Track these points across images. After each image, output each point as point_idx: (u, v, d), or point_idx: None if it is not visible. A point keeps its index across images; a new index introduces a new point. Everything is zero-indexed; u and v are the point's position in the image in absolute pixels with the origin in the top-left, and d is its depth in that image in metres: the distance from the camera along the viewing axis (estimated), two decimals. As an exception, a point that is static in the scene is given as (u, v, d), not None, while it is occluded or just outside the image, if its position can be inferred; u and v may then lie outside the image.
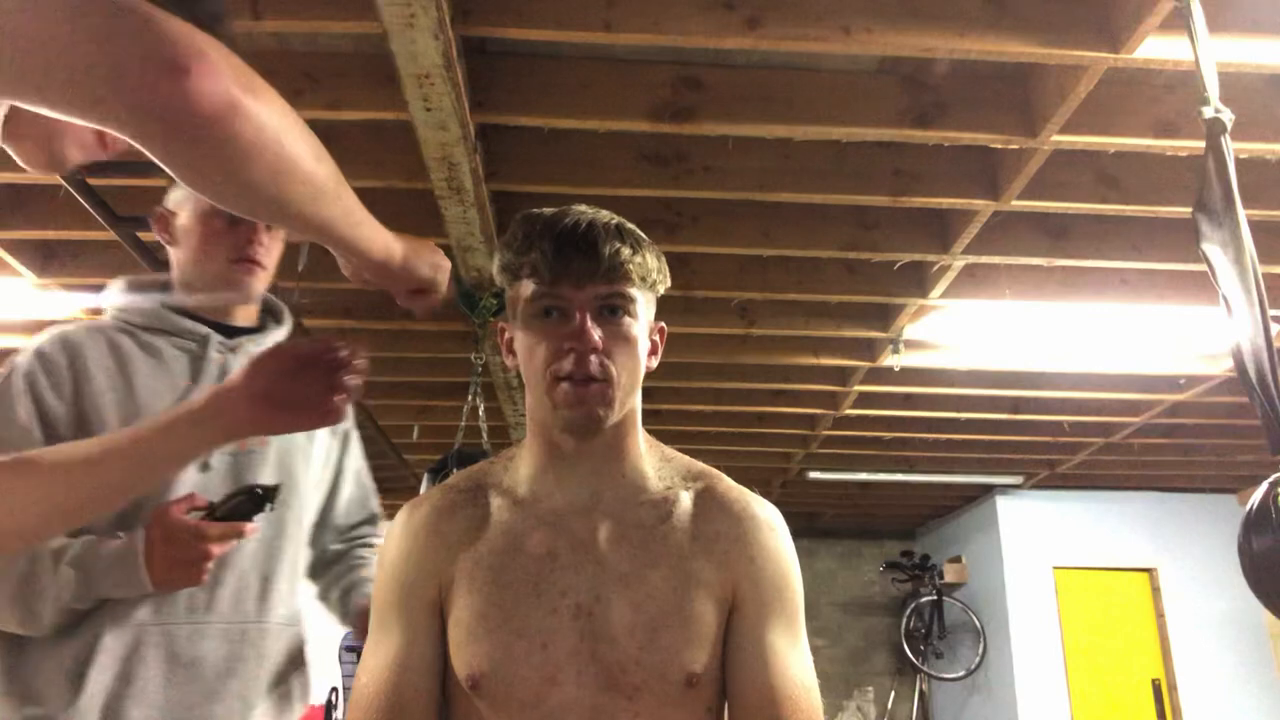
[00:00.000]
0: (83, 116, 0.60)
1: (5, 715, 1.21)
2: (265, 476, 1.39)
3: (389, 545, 1.06)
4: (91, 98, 0.58)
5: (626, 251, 0.97)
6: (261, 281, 1.45)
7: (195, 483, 1.31)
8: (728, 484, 1.07)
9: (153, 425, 0.98)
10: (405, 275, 0.96)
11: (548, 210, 1.00)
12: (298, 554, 1.46)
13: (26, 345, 1.32)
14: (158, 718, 1.24)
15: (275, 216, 0.76)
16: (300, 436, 1.46)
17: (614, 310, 0.97)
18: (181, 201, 1.44)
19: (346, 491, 1.59)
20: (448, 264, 1.01)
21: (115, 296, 1.45)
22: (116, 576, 1.21)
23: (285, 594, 1.40)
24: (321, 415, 1.02)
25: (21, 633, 1.21)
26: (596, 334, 0.95)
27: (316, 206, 0.75)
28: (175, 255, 1.46)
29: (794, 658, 0.98)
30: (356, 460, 1.62)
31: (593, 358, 0.95)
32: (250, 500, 1.25)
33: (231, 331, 1.43)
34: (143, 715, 1.23)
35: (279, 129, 0.65)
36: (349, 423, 1.59)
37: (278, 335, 1.51)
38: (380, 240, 0.89)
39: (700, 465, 1.09)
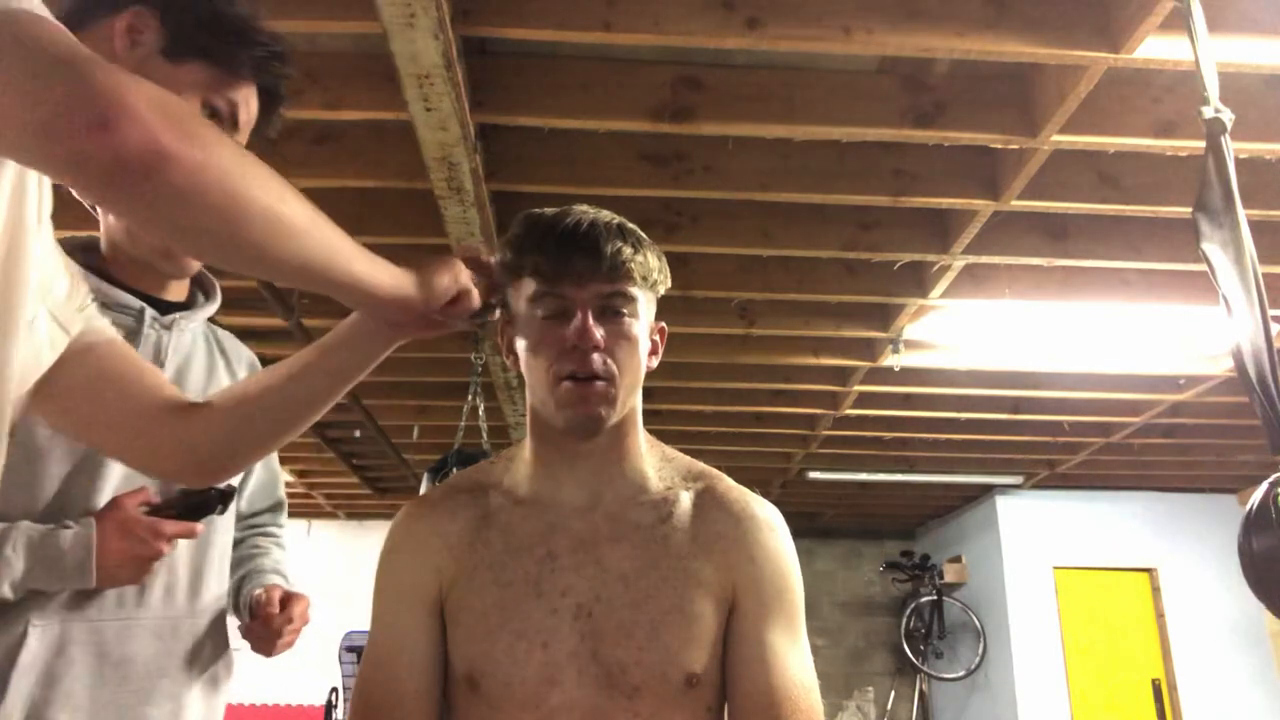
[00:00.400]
0: (32, 167, 0.62)
1: None
2: None
3: (389, 545, 1.06)
4: (32, 154, 0.60)
5: (628, 251, 0.97)
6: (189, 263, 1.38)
7: (123, 469, 1.25)
8: (728, 484, 1.06)
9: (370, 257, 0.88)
10: (428, 303, 0.91)
11: (550, 210, 1.00)
12: (227, 544, 1.43)
13: None
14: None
15: (237, 261, 0.73)
16: None
17: (616, 309, 0.98)
18: None
19: (256, 476, 1.55)
20: (463, 269, 0.97)
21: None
22: (65, 566, 1.15)
23: (214, 585, 1.37)
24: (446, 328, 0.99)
25: None
26: (598, 333, 0.95)
27: (284, 246, 0.72)
28: (106, 221, 1.38)
29: (794, 658, 0.98)
30: None
31: (595, 356, 0.95)
32: (207, 500, 1.22)
33: (164, 306, 1.36)
34: (69, 719, 1.16)
35: (222, 171, 0.64)
36: None
37: (209, 310, 1.44)
38: (385, 275, 0.85)
39: (701, 465, 1.09)
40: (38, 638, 1.16)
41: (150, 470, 1.11)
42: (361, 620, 1.23)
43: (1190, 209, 1.72)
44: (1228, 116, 1.70)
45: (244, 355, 1.51)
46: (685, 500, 1.03)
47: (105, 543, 1.16)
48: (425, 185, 2.73)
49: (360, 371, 1.00)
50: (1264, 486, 1.56)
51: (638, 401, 1.04)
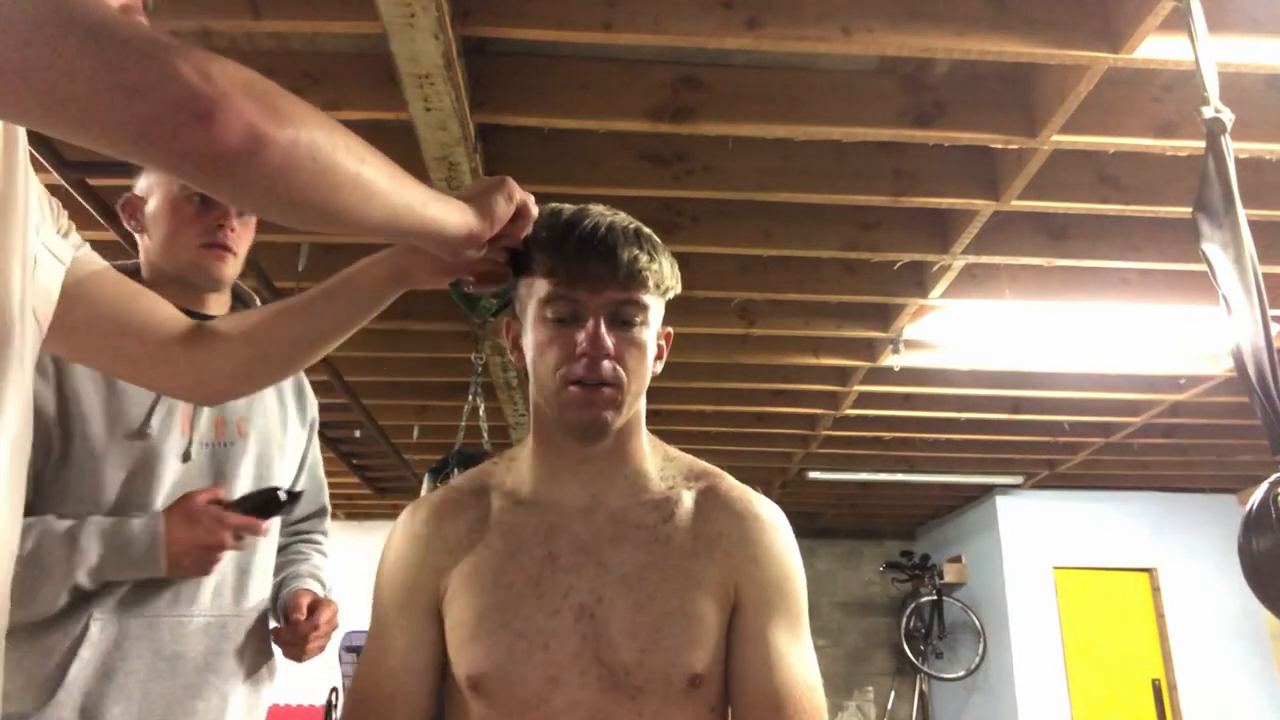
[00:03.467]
0: (126, 158, 0.63)
1: None
2: (245, 469, 1.39)
3: (390, 546, 1.06)
4: (128, 148, 0.61)
5: (644, 258, 0.96)
6: (232, 267, 1.43)
7: (177, 472, 1.31)
8: (730, 483, 1.06)
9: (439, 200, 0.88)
10: (492, 227, 0.91)
11: (568, 208, 0.98)
12: (272, 547, 1.47)
13: None
14: (137, 713, 1.23)
15: (335, 227, 0.76)
16: (276, 429, 1.47)
17: (627, 317, 0.97)
18: (150, 188, 1.42)
19: (303, 484, 1.58)
20: (515, 187, 0.94)
21: None
22: (134, 554, 1.21)
23: (259, 587, 1.42)
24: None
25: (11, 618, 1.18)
26: (609, 340, 0.95)
27: (370, 208, 0.75)
28: (144, 243, 1.43)
29: (797, 657, 0.98)
30: (316, 452, 1.62)
31: (605, 363, 0.94)
32: (272, 501, 1.27)
33: (205, 320, 1.41)
34: (122, 711, 1.22)
35: (311, 144, 0.67)
36: (314, 412, 1.59)
37: None
38: (455, 215, 0.86)
39: (703, 464, 1.09)
40: (99, 630, 1.22)
41: (164, 392, 1.16)
42: (361, 620, 1.24)
43: (1190, 209, 1.72)
44: (1228, 116, 1.70)
45: (306, 414, 1.57)
46: (687, 500, 1.03)
47: (172, 531, 1.22)
48: (425, 185, 2.73)
49: (364, 317, 1.04)
50: (1264, 486, 1.56)
51: (642, 404, 1.03)
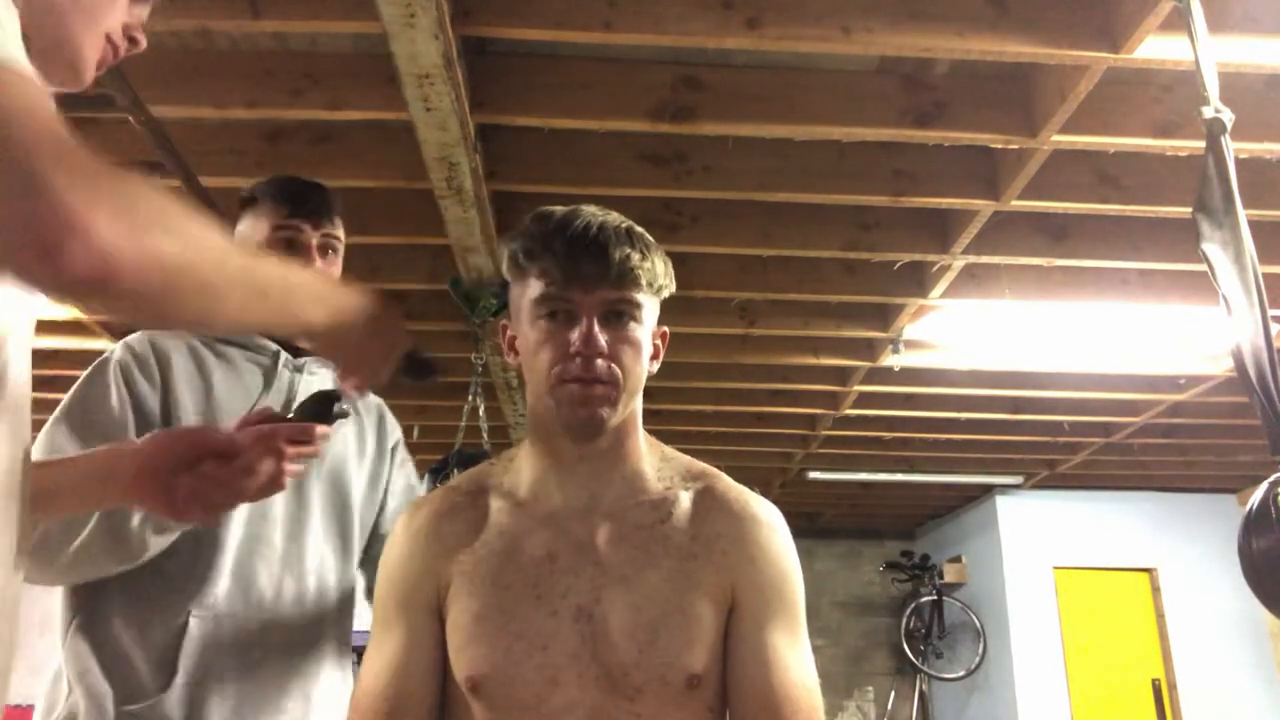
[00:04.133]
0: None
1: (96, 693, 1.21)
2: (316, 490, 1.42)
3: (390, 547, 1.07)
4: None
5: (636, 257, 0.97)
6: None
7: None
8: (727, 483, 1.06)
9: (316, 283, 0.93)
10: (356, 342, 0.94)
11: (559, 210, 0.99)
12: (350, 551, 1.48)
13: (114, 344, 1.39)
14: (233, 706, 1.26)
15: (221, 330, 0.78)
16: (353, 455, 1.50)
17: (620, 315, 0.97)
18: (243, 233, 1.45)
19: (392, 505, 1.59)
20: (403, 342, 1.00)
21: None
22: None
23: (336, 589, 1.44)
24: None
25: (115, 568, 1.20)
26: (603, 339, 0.95)
27: (249, 315, 0.78)
28: None
29: (794, 658, 0.98)
30: (406, 479, 1.62)
31: (599, 361, 0.95)
32: (322, 405, 1.20)
33: (296, 351, 1.46)
34: (222, 704, 1.25)
35: (174, 265, 0.66)
36: (397, 435, 1.62)
37: None
38: (317, 309, 0.86)
39: (700, 465, 1.09)
40: (197, 628, 1.25)
41: None
42: (363, 621, 1.24)
43: (1190, 209, 1.72)
44: (1228, 116, 1.70)
45: (372, 402, 1.59)
46: (685, 500, 1.03)
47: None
48: (425, 185, 2.73)
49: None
50: (1264, 486, 1.56)
51: (638, 404, 1.04)
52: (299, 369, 1.45)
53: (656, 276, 1.00)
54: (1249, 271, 1.59)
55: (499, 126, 2.74)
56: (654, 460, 1.06)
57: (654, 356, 1.05)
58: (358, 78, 2.51)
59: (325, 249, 1.46)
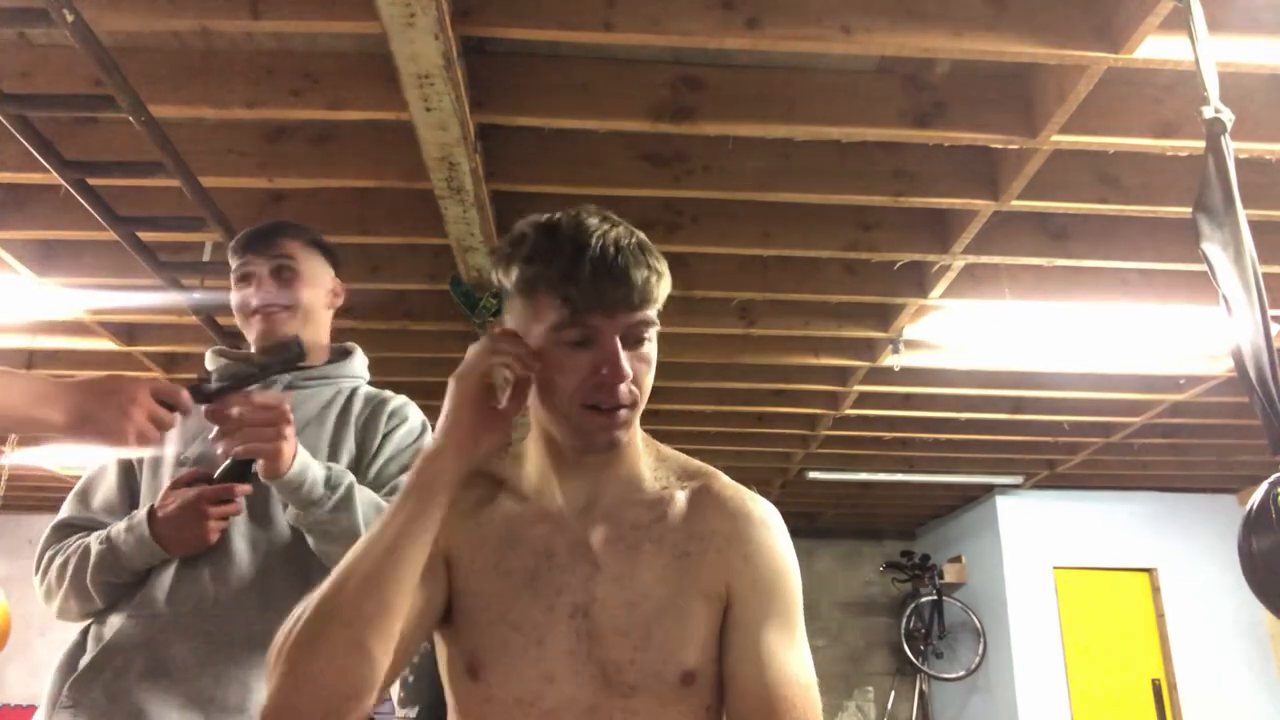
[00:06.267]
0: None
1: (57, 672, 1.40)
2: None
3: None
4: None
5: (654, 278, 0.95)
6: (281, 322, 1.57)
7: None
8: (724, 481, 1.06)
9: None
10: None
11: (564, 222, 0.96)
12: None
13: None
14: (167, 698, 1.35)
15: None
16: (324, 447, 1.53)
17: (640, 336, 0.97)
18: (234, 271, 1.62)
19: (386, 456, 1.58)
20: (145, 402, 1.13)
21: (208, 356, 1.66)
22: (132, 542, 1.39)
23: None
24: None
25: (82, 619, 1.44)
26: (627, 364, 0.94)
27: None
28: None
29: (791, 655, 0.98)
30: (395, 448, 1.59)
31: (622, 386, 0.94)
32: (236, 467, 1.39)
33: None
34: (158, 697, 1.34)
35: None
36: (388, 427, 1.60)
37: (346, 367, 1.68)
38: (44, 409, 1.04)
39: (696, 463, 1.09)
40: (132, 625, 1.40)
41: None
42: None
43: (1190, 209, 1.72)
44: (1228, 116, 1.71)
45: (379, 426, 1.59)
46: (680, 499, 1.03)
47: (160, 515, 1.39)
48: (425, 185, 2.73)
49: None
50: (1264, 486, 1.56)
51: None
52: (272, 384, 1.55)
53: (664, 291, 0.99)
54: (1249, 271, 1.59)
55: (499, 126, 2.74)
56: (650, 460, 1.06)
57: None
58: (358, 78, 2.51)
59: (279, 271, 1.59)
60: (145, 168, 2.56)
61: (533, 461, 1.05)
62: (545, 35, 2.30)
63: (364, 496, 1.42)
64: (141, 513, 1.41)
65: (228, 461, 1.39)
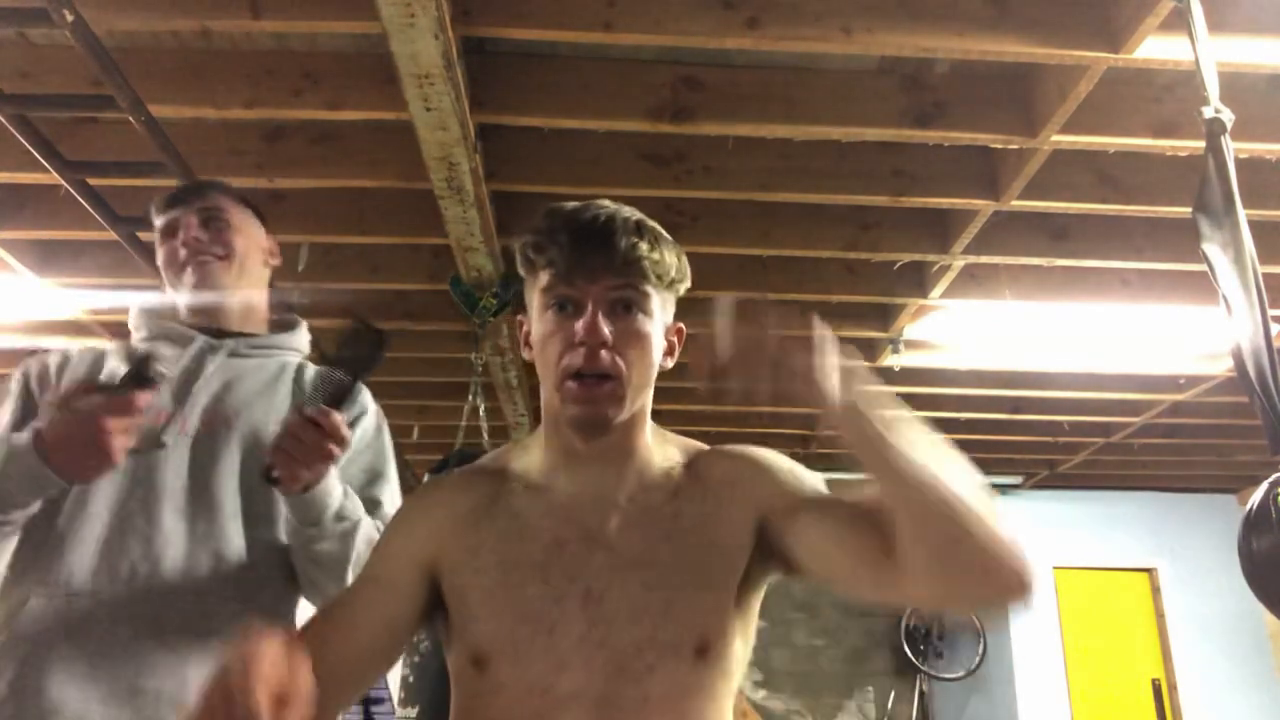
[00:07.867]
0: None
1: None
2: (229, 461, 1.36)
3: (398, 511, 1.12)
4: None
5: (644, 247, 0.97)
6: (215, 272, 1.46)
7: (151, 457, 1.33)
8: (725, 446, 1.09)
9: None
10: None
11: (571, 203, 1.00)
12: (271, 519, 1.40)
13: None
14: (80, 685, 1.22)
15: None
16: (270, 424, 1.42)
17: (627, 306, 0.97)
18: (158, 228, 1.51)
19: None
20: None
21: (132, 313, 1.57)
22: (14, 470, 1.18)
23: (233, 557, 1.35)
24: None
25: None
26: (607, 328, 0.95)
27: None
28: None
29: (837, 492, 0.99)
30: (361, 439, 1.49)
31: (603, 353, 0.94)
32: (138, 371, 1.22)
33: (218, 333, 1.47)
34: (67, 683, 1.21)
35: None
36: (355, 413, 1.49)
37: (293, 339, 1.55)
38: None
39: (697, 443, 1.12)
40: (38, 606, 1.24)
41: None
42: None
43: (1190, 209, 1.72)
44: (1228, 116, 1.71)
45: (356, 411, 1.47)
46: (687, 472, 1.05)
47: (51, 435, 1.19)
48: (425, 185, 2.73)
49: None
50: (1264, 486, 1.56)
51: (648, 399, 1.04)
52: (214, 350, 1.45)
53: (666, 269, 0.99)
54: (1249, 271, 1.59)
55: (499, 126, 2.74)
56: (659, 448, 1.07)
57: (669, 353, 1.05)
58: (358, 78, 2.51)
59: (207, 220, 1.49)
60: (145, 168, 2.56)
61: (543, 453, 1.05)
62: (545, 35, 2.30)
63: (365, 534, 1.33)
64: (24, 433, 1.20)
65: (125, 372, 1.22)
